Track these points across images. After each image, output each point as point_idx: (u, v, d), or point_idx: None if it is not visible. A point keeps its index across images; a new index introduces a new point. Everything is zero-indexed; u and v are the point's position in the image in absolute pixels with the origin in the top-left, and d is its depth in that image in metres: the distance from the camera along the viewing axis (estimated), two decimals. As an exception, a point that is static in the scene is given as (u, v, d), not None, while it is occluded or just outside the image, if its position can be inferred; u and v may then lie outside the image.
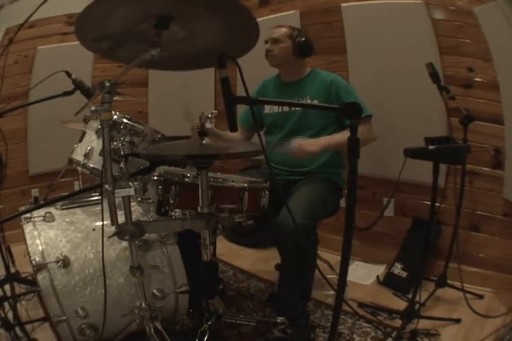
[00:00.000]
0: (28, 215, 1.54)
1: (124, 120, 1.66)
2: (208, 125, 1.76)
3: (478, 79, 2.09)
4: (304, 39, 1.92)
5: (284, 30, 1.93)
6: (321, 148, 1.74)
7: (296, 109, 1.96)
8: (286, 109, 2.00)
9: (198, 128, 1.48)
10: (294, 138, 1.94)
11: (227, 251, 2.76)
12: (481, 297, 2.07)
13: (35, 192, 2.99)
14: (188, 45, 1.25)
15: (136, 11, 1.08)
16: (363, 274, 2.40)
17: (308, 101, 1.94)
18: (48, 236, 1.48)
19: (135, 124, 1.68)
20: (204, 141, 1.41)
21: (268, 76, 2.14)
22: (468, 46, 2.08)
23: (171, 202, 1.46)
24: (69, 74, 1.64)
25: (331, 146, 1.83)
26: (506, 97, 1.99)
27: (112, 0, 1.02)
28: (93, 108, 1.67)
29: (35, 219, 1.54)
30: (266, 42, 1.95)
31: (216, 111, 1.69)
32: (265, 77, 2.15)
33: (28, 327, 1.65)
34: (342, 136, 1.80)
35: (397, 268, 2.27)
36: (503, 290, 2.08)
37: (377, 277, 2.33)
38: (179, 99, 3.20)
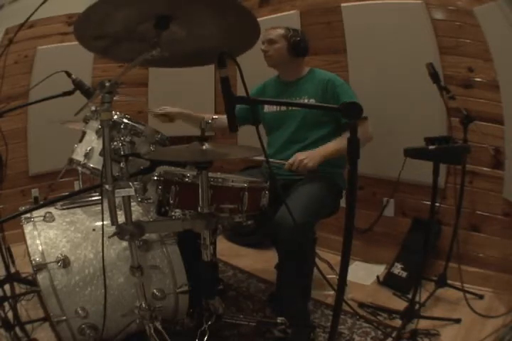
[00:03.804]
0: (28, 215, 1.54)
1: (125, 120, 1.66)
2: (171, 108, 1.98)
3: (478, 79, 2.09)
4: (298, 39, 1.92)
5: (279, 30, 1.94)
6: (320, 162, 1.76)
7: (295, 108, 1.96)
8: (283, 108, 2.00)
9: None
10: (294, 139, 1.94)
11: (227, 251, 2.76)
12: (481, 297, 2.07)
13: (35, 192, 2.98)
14: (187, 44, 1.25)
15: (136, 12, 1.08)
16: (363, 274, 2.40)
17: (306, 101, 1.94)
18: (47, 236, 1.48)
19: (135, 124, 1.68)
20: (204, 147, 1.40)
21: (268, 76, 2.14)
22: (468, 46, 2.08)
23: (171, 202, 1.45)
24: (69, 74, 1.64)
25: (331, 156, 1.83)
26: (506, 97, 1.99)
27: (112, 2, 1.01)
28: (93, 108, 1.68)
29: (35, 219, 1.54)
30: (262, 43, 1.96)
31: (217, 117, 1.70)
32: (265, 77, 2.15)
33: (28, 327, 1.65)
34: (338, 144, 1.82)
35: (397, 268, 2.27)
36: (503, 290, 2.08)
37: (377, 277, 2.33)
38: (179, 99, 3.19)
